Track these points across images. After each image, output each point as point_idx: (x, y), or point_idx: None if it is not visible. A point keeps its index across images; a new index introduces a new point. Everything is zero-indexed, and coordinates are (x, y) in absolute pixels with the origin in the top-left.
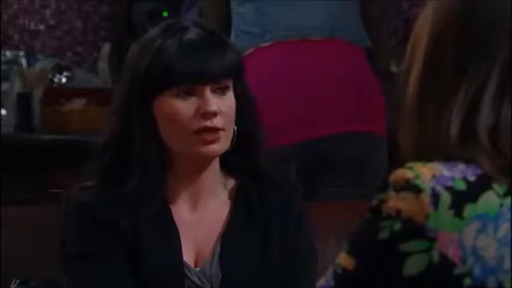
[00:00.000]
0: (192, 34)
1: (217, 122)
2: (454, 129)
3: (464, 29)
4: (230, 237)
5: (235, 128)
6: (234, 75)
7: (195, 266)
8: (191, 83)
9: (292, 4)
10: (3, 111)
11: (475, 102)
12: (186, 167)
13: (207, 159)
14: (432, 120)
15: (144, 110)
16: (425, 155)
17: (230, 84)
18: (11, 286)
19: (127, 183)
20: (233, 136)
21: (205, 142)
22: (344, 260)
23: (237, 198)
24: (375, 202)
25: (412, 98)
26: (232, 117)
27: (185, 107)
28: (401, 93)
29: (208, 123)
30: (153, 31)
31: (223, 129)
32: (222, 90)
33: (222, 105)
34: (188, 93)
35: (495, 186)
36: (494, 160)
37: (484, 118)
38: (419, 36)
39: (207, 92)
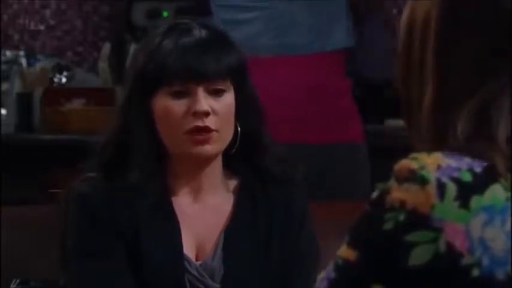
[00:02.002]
0: (192, 34)
1: (209, 122)
2: (466, 128)
3: (482, 35)
4: (233, 231)
5: (239, 128)
6: (232, 76)
7: (196, 259)
8: (183, 82)
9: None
10: (3, 111)
11: (489, 107)
12: (183, 166)
13: (202, 160)
14: (447, 121)
15: (142, 108)
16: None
17: (227, 85)
18: (11, 286)
19: (126, 177)
20: (236, 137)
21: (197, 142)
22: (345, 251)
23: (240, 195)
24: (376, 194)
25: (430, 99)
26: (229, 119)
27: (177, 106)
28: (400, 88)
29: (199, 123)
30: (157, 30)
31: (216, 130)
32: (217, 91)
33: (217, 106)
34: (182, 93)
35: (502, 179)
36: (508, 159)
37: (504, 121)
38: (419, 35)
39: (200, 91)
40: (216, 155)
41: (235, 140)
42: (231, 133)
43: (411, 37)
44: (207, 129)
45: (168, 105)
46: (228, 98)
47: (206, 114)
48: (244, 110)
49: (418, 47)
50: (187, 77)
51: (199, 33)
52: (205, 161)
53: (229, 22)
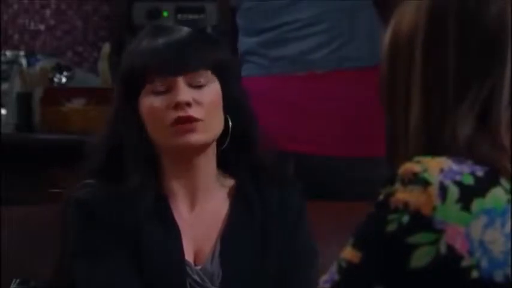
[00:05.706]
0: (173, 34)
1: (193, 112)
2: (465, 131)
3: (466, 38)
4: (230, 235)
5: (230, 124)
6: (215, 69)
7: (195, 264)
8: (163, 76)
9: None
10: (3, 111)
11: (486, 108)
12: (175, 163)
13: (190, 151)
14: (439, 125)
15: (129, 110)
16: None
17: (210, 76)
18: (11, 286)
19: (122, 180)
20: (228, 133)
21: (181, 132)
22: (349, 253)
23: (236, 196)
24: (381, 197)
25: (419, 111)
26: (215, 108)
27: (159, 101)
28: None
29: (181, 113)
30: (141, 32)
31: (202, 120)
32: (200, 84)
33: (200, 96)
34: (164, 89)
35: (503, 182)
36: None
37: (504, 120)
38: (407, 43)
39: (180, 83)
40: (205, 145)
41: (226, 136)
42: (220, 124)
43: (396, 51)
44: (190, 119)
45: (151, 102)
46: (213, 89)
47: (188, 104)
48: (234, 106)
49: (403, 63)
50: (166, 70)
51: (179, 33)
52: (195, 151)
53: (277, 41)
